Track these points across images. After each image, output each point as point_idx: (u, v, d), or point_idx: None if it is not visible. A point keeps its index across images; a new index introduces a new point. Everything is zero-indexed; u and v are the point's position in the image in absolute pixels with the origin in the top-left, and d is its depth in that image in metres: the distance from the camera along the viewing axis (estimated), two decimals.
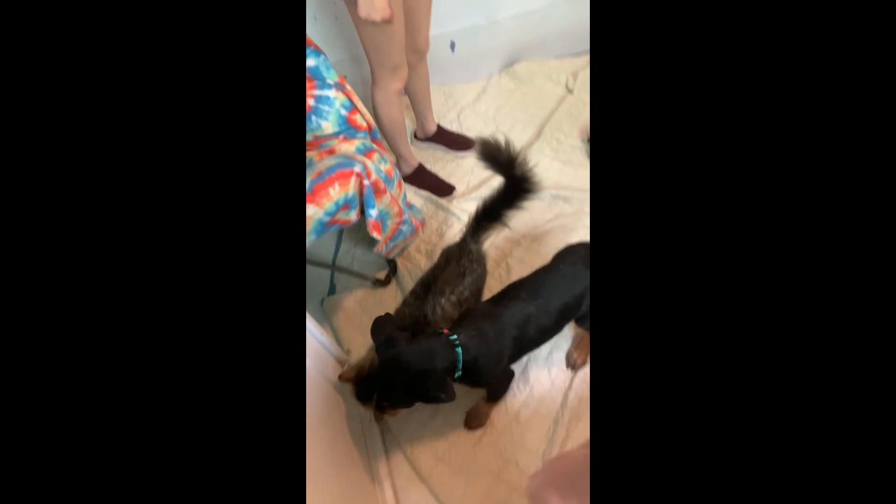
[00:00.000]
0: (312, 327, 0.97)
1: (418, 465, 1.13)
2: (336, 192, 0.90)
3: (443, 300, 1.02)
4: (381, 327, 0.90)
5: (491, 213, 1.13)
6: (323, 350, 1.05)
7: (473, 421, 1.15)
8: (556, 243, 1.49)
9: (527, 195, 1.10)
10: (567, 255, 1.05)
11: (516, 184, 1.08)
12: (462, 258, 1.09)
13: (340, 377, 0.94)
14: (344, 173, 0.91)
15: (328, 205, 0.89)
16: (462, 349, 0.88)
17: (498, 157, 1.08)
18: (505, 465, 1.12)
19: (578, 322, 1.09)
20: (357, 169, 0.93)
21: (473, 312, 0.97)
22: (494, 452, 1.14)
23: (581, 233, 1.50)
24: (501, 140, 1.07)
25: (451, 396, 0.82)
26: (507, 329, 0.94)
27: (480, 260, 1.14)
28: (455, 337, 0.88)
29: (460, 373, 0.89)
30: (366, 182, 0.96)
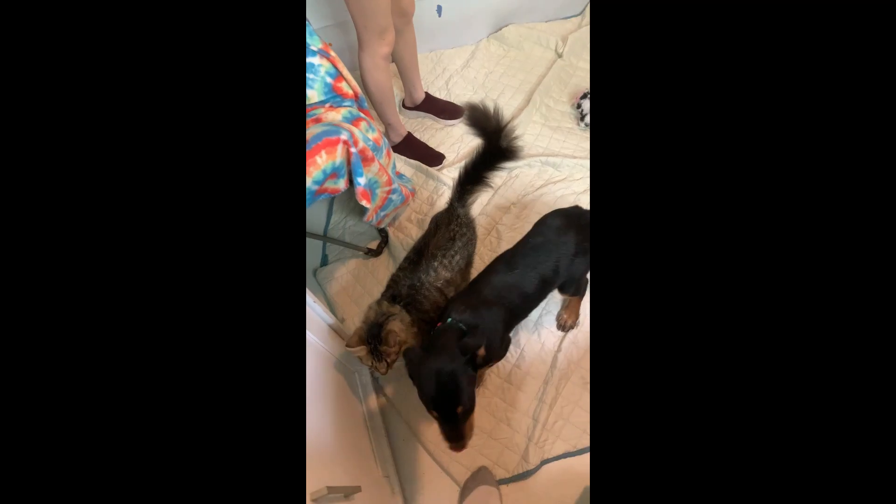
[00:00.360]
0: (317, 308, 0.99)
1: (413, 424, 1.18)
2: (323, 161, 0.90)
3: (435, 263, 1.04)
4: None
5: (474, 177, 1.14)
6: (318, 319, 1.06)
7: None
8: (545, 210, 1.50)
9: (508, 159, 1.11)
10: (538, 226, 1.07)
11: (499, 149, 1.08)
12: (451, 223, 1.10)
13: (348, 345, 0.96)
14: (330, 141, 0.91)
15: (316, 173, 0.89)
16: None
17: (486, 125, 1.07)
18: (497, 424, 1.17)
19: (561, 290, 1.12)
20: (344, 136, 0.93)
21: (457, 296, 1.00)
22: (487, 412, 1.18)
23: (570, 199, 1.51)
24: (490, 107, 1.07)
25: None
26: (491, 300, 0.96)
27: (469, 224, 1.15)
28: (456, 320, 0.91)
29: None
30: (353, 150, 0.95)
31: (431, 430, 1.17)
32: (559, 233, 1.02)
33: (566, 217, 1.06)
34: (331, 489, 0.65)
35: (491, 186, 1.21)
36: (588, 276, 1.15)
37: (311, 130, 0.93)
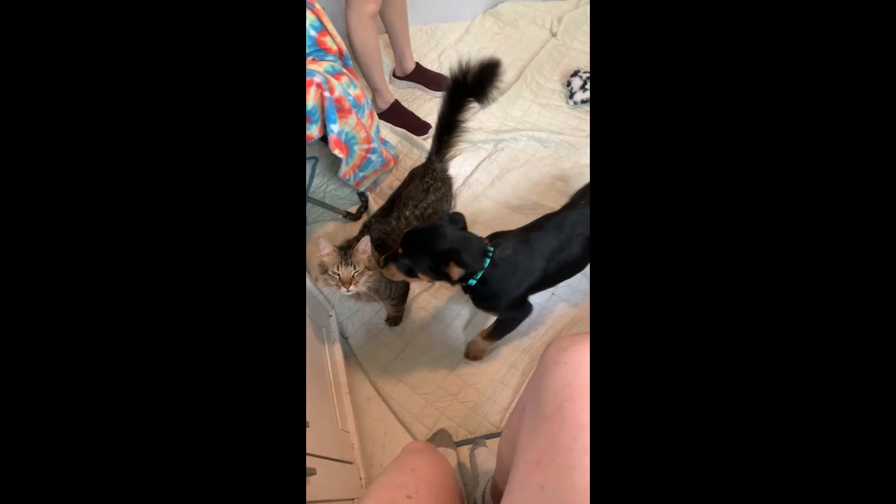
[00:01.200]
0: None
1: (378, 383, 1.17)
2: None
3: (406, 212, 1.05)
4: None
5: (449, 125, 1.11)
6: None
7: (471, 353, 1.19)
8: (527, 184, 1.49)
9: (476, 94, 1.07)
10: (585, 194, 1.05)
11: (459, 88, 1.05)
12: (426, 175, 1.09)
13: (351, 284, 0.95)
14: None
15: None
16: (490, 262, 0.91)
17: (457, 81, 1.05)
18: (464, 388, 1.16)
19: None
20: (317, 79, 0.92)
21: (509, 234, 0.99)
22: (454, 375, 1.18)
23: (554, 174, 1.50)
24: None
25: (471, 266, 0.88)
26: (536, 256, 0.96)
27: (446, 180, 1.15)
28: (491, 248, 0.91)
29: (474, 281, 0.92)
30: (326, 95, 0.94)
31: (397, 391, 1.16)
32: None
33: None
34: None
35: (467, 130, 1.16)
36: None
37: None
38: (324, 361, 1.09)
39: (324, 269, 0.97)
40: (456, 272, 0.87)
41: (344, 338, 1.25)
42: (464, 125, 1.13)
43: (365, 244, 0.95)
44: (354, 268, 0.93)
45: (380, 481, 0.54)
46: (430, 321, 1.27)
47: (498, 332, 1.12)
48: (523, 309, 1.07)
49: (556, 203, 1.44)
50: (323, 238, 0.96)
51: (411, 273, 0.92)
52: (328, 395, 1.01)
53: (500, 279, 0.94)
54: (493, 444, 1.09)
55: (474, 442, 1.07)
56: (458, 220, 0.93)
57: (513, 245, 0.95)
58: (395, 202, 1.07)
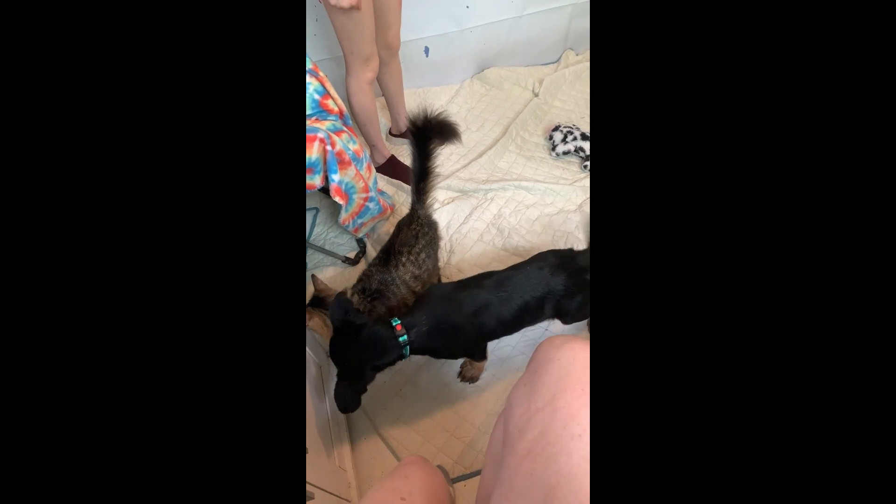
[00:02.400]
0: None
1: (377, 421, 1.19)
2: None
3: (403, 259, 1.13)
4: (340, 305, 0.97)
5: (421, 174, 1.20)
6: None
7: (466, 374, 1.24)
8: (515, 225, 1.59)
9: (441, 134, 1.17)
10: (537, 259, 1.11)
11: (421, 133, 1.15)
12: (412, 223, 1.19)
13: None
14: (308, 137, 1.01)
15: None
16: (410, 342, 0.97)
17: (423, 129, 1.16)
18: (461, 424, 1.18)
19: (560, 318, 1.14)
20: (321, 135, 1.03)
21: (433, 296, 1.05)
22: (451, 411, 1.20)
23: (543, 220, 1.60)
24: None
25: (350, 407, 0.96)
26: (465, 314, 1.02)
27: (431, 224, 1.24)
28: (403, 337, 0.97)
29: (407, 356, 0.98)
30: (329, 149, 1.05)
31: (395, 429, 1.18)
32: (552, 271, 1.06)
33: (561, 258, 1.10)
34: None
35: (440, 175, 1.25)
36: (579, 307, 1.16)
37: None
38: (323, 399, 1.11)
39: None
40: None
41: None
42: (435, 170, 1.22)
43: (316, 323, 1.07)
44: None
45: (375, 487, 0.57)
46: (427, 359, 1.31)
47: (472, 358, 1.18)
48: (478, 348, 1.13)
49: (548, 243, 1.53)
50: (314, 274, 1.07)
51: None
52: (325, 434, 1.04)
53: (433, 342, 1.00)
54: None
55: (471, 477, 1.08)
56: (350, 309, 0.96)
57: (428, 317, 0.99)
58: (390, 252, 1.16)
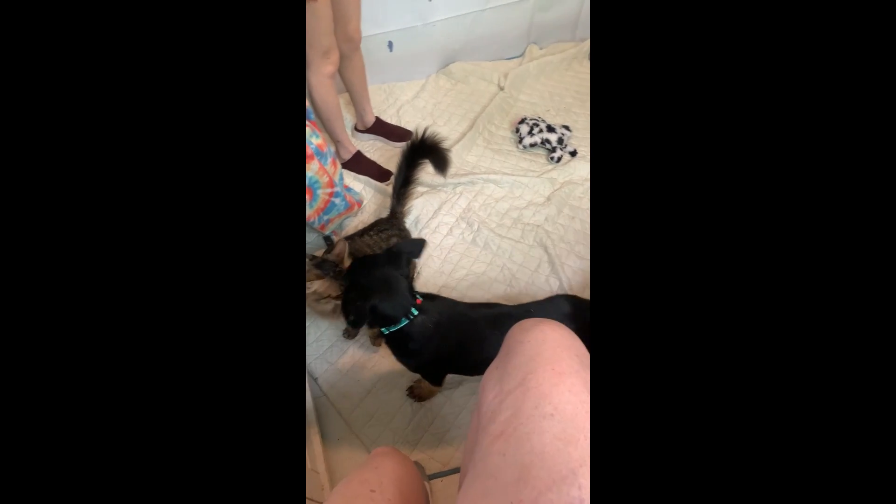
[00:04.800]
0: None
1: (351, 421, 1.16)
2: None
3: (371, 233, 1.23)
4: (414, 245, 1.02)
5: (405, 181, 1.33)
6: None
7: (415, 392, 1.20)
8: (485, 219, 1.58)
9: (430, 155, 1.30)
10: (550, 303, 1.07)
11: (416, 151, 1.27)
12: (392, 224, 1.30)
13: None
14: None
15: None
16: (409, 322, 0.93)
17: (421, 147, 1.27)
18: (434, 419, 1.17)
19: None
20: None
21: (446, 304, 1.00)
22: (423, 408, 1.19)
23: (513, 214, 1.61)
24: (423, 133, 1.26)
25: (354, 322, 0.94)
26: (451, 339, 0.97)
27: (403, 229, 1.34)
28: (416, 311, 0.93)
29: (387, 331, 0.95)
30: None
31: (369, 427, 1.16)
32: (565, 318, 0.99)
33: (575, 307, 1.05)
34: None
35: (427, 185, 1.38)
36: None
37: None
38: None
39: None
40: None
41: (313, 378, 1.25)
42: (417, 180, 1.37)
43: (318, 288, 1.03)
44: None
45: (344, 480, 0.55)
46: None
47: (425, 377, 1.13)
48: (436, 376, 1.10)
49: (517, 237, 1.53)
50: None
51: (345, 312, 0.97)
52: None
53: (413, 341, 0.95)
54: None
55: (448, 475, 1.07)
56: (405, 254, 0.97)
57: (437, 317, 0.95)
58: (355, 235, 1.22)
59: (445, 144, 1.32)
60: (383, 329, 0.95)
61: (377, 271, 0.94)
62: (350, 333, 1.30)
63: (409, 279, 0.98)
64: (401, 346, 0.98)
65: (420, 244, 1.01)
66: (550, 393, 0.43)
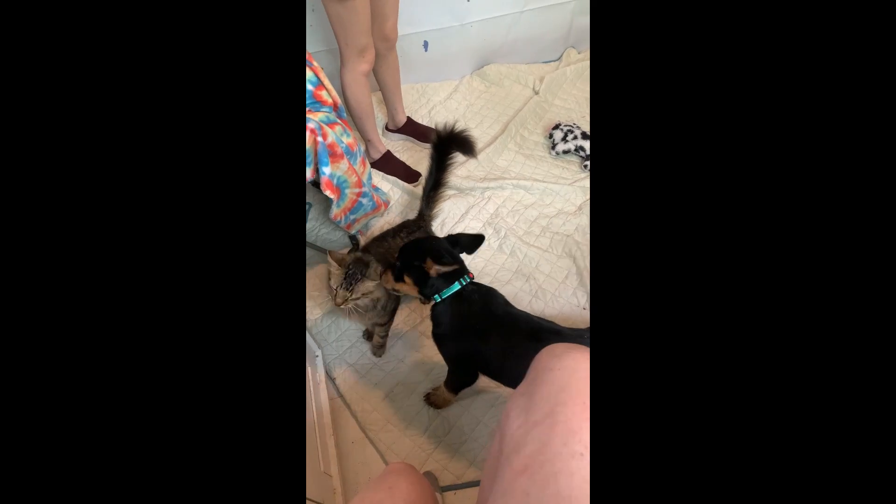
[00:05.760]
0: None
1: (366, 425, 1.15)
2: None
3: (403, 234, 1.21)
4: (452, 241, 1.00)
5: (435, 183, 1.31)
6: None
7: (432, 398, 1.17)
8: (513, 226, 1.55)
9: (460, 148, 1.28)
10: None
11: (444, 144, 1.25)
12: (420, 227, 1.27)
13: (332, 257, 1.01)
14: None
15: None
16: (458, 291, 0.93)
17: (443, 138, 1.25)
18: (451, 429, 1.14)
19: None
20: (311, 125, 0.98)
21: (492, 292, 0.98)
22: (440, 417, 1.16)
23: (542, 222, 1.56)
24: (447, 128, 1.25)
25: (404, 270, 0.94)
26: (489, 333, 0.94)
27: (430, 231, 1.33)
28: (468, 278, 0.95)
29: (439, 298, 0.94)
30: (319, 140, 1.01)
31: (385, 432, 1.14)
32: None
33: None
34: None
35: (456, 188, 1.37)
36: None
37: None
38: (308, 401, 1.07)
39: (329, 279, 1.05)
40: (433, 270, 0.91)
41: (331, 378, 1.24)
42: (447, 183, 1.36)
43: (372, 286, 1.01)
44: (352, 294, 0.99)
45: (357, 499, 0.53)
46: (421, 359, 1.27)
47: (450, 383, 1.10)
48: (465, 371, 1.05)
49: (545, 246, 1.49)
50: (331, 265, 1.02)
51: (400, 278, 0.96)
52: (311, 437, 0.99)
53: (456, 314, 0.94)
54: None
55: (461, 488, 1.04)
56: (461, 245, 0.98)
57: (484, 298, 0.95)
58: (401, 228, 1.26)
59: (476, 147, 1.32)
60: (436, 296, 0.94)
61: (435, 242, 0.97)
62: (379, 348, 1.26)
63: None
64: (444, 319, 0.96)
65: (478, 240, 1.00)
66: (580, 430, 0.40)
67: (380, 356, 1.27)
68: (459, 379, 1.08)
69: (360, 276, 0.99)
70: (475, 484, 1.06)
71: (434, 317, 0.98)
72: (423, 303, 1.01)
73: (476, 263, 1.46)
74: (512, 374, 0.95)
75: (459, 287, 0.93)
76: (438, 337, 1.01)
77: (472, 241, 1.00)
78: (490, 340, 0.94)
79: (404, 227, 1.28)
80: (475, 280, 0.98)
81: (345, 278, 0.99)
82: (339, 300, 1.00)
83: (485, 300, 0.95)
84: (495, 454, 0.53)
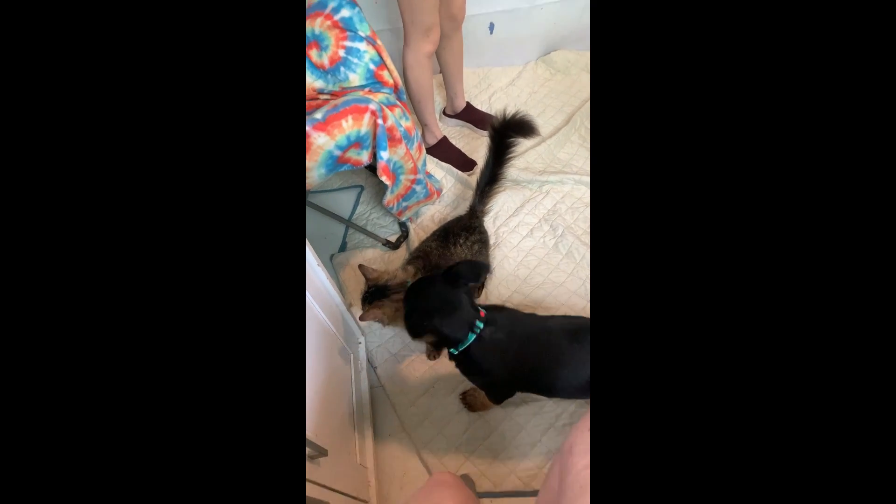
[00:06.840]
0: (321, 273, 0.96)
1: (405, 420, 1.12)
2: (349, 126, 0.91)
3: (460, 240, 1.13)
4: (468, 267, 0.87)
5: (491, 177, 1.23)
6: (327, 295, 1.04)
7: (468, 399, 1.12)
8: (571, 224, 1.45)
9: (518, 131, 1.17)
10: None
11: (503, 135, 1.16)
12: (472, 223, 1.20)
13: (361, 318, 0.97)
14: (359, 108, 0.92)
15: (340, 137, 0.90)
16: (476, 337, 0.84)
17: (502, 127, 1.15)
18: (491, 432, 1.09)
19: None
20: (373, 107, 0.94)
21: (513, 314, 0.91)
22: (482, 419, 1.11)
23: None
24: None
25: (412, 334, 0.87)
26: (527, 352, 0.87)
27: (483, 231, 1.25)
28: (481, 324, 0.85)
29: (455, 352, 0.86)
30: (380, 122, 0.96)
31: (423, 428, 1.11)
32: None
33: None
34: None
35: (513, 179, 1.31)
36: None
37: (342, 97, 0.95)
38: (349, 388, 1.05)
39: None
40: (430, 340, 0.85)
41: (373, 367, 1.22)
42: (504, 177, 1.27)
43: (380, 315, 0.98)
44: (366, 314, 0.97)
45: None
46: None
47: (491, 397, 1.03)
48: (506, 393, 1.00)
49: None
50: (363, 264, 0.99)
51: (416, 336, 0.89)
52: (349, 426, 0.97)
53: (482, 359, 0.86)
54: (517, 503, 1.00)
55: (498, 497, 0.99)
56: (463, 278, 0.85)
57: (509, 328, 0.86)
58: (448, 231, 1.17)
59: (536, 138, 1.25)
60: (451, 350, 0.87)
61: (433, 290, 0.85)
62: (433, 355, 1.22)
63: (470, 294, 0.88)
64: (470, 365, 0.88)
65: (480, 268, 0.88)
66: None
67: (434, 358, 1.23)
68: (498, 398, 1.04)
69: (370, 302, 0.97)
70: (515, 494, 1.00)
71: (458, 366, 0.91)
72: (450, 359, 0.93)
73: (528, 261, 1.39)
74: (564, 385, 0.88)
75: (475, 336, 0.84)
76: (468, 375, 0.94)
77: (472, 269, 0.86)
78: (528, 363, 0.87)
79: (457, 224, 1.19)
80: (487, 306, 0.89)
81: (362, 298, 0.99)
82: (361, 313, 0.99)
83: (509, 329, 0.86)
84: (553, 489, 0.48)
